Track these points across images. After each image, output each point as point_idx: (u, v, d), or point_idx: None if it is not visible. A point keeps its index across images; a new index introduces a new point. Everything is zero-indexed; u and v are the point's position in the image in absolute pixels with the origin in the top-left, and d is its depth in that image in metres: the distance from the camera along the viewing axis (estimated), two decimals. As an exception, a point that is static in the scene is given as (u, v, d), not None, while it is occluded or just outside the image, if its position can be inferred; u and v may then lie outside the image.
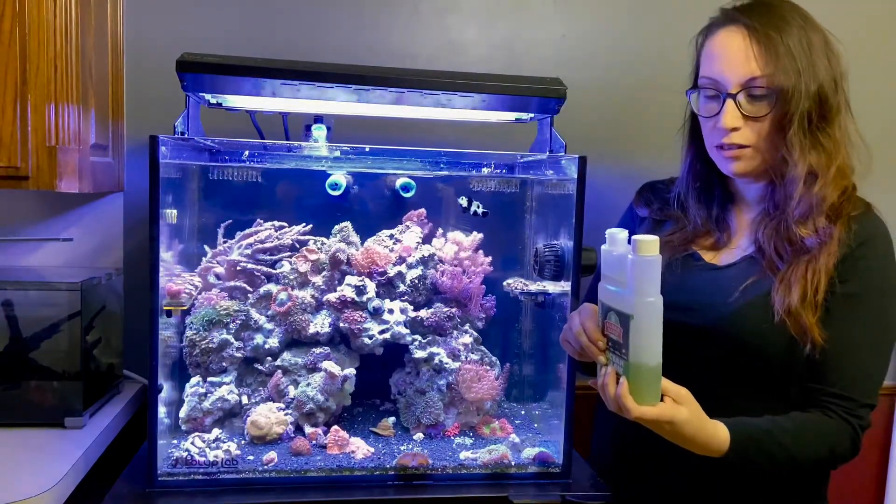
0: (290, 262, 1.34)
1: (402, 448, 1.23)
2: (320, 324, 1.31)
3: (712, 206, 1.20)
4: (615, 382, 0.93)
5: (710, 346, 1.09)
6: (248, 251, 1.31)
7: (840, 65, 1.09)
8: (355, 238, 1.38)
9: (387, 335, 1.29)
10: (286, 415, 1.24)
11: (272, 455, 1.16)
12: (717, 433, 0.99)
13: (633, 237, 0.90)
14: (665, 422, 0.93)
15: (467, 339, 1.35)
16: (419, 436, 1.29)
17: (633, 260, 0.89)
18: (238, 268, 1.31)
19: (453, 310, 1.34)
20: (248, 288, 1.31)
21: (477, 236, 1.37)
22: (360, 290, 1.30)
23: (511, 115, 1.35)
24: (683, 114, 1.21)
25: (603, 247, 0.97)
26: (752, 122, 1.07)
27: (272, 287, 1.32)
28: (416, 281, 1.34)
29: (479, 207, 1.33)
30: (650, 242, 0.88)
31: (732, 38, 1.08)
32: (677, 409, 0.94)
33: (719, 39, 1.10)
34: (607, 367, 0.95)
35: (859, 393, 1.03)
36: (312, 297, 1.32)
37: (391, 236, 1.39)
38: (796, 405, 1.07)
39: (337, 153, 1.25)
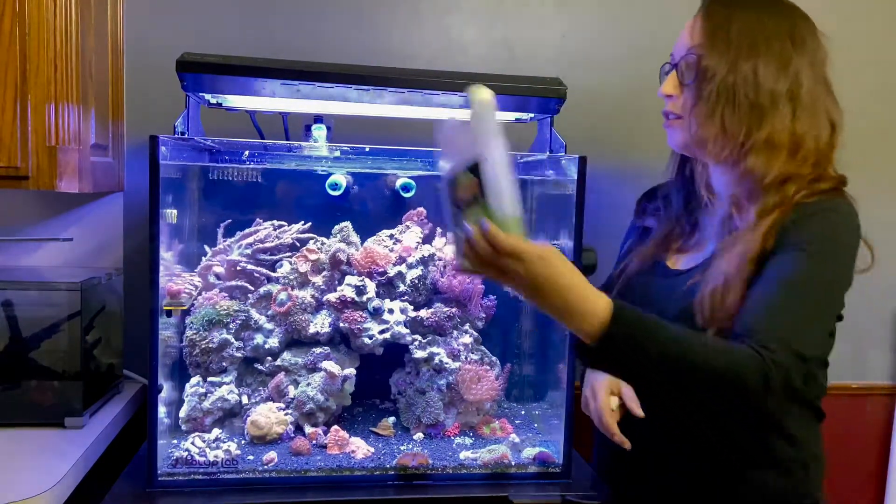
0: (290, 262, 1.34)
1: (402, 448, 1.24)
2: (320, 324, 1.31)
3: (690, 201, 1.19)
4: (479, 231, 0.85)
5: None
6: (248, 251, 1.31)
7: (802, 53, 1.06)
8: (355, 238, 1.38)
9: (387, 335, 1.29)
10: (286, 415, 1.24)
11: (272, 455, 1.16)
12: (598, 298, 0.89)
13: (468, 88, 0.86)
14: (537, 256, 0.86)
15: (467, 339, 1.35)
16: (419, 436, 1.29)
17: (471, 108, 0.85)
18: (238, 268, 1.31)
19: (453, 310, 1.34)
20: (249, 288, 1.31)
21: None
22: (360, 290, 1.30)
23: (511, 115, 1.35)
24: None
25: (441, 150, 0.93)
26: (685, 93, 1.08)
27: (272, 287, 1.32)
28: (416, 281, 1.34)
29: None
30: (480, 88, 0.85)
31: (693, 19, 1.10)
32: (551, 257, 0.88)
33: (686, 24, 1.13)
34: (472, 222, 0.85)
35: (770, 331, 0.92)
36: (312, 297, 1.32)
37: (391, 236, 1.39)
38: None
39: (337, 153, 1.25)
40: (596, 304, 0.88)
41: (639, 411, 1.05)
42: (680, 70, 1.09)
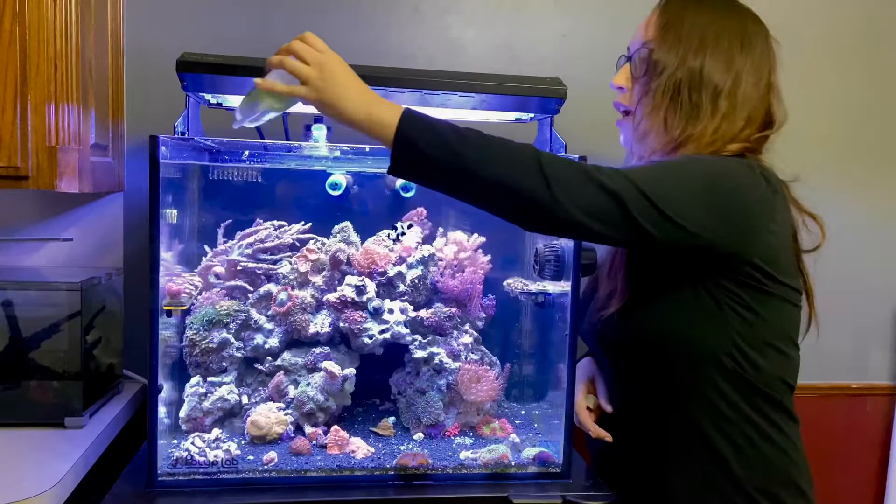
0: (291, 262, 1.34)
1: (402, 448, 1.24)
2: (320, 324, 1.31)
3: None
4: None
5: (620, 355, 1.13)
6: (249, 251, 1.31)
7: (746, 55, 1.07)
8: (355, 238, 1.38)
9: (387, 335, 1.29)
10: (286, 415, 1.24)
11: (272, 455, 1.16)
12: (393, 104, 0.95)
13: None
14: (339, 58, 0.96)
15: (467, 339, 1.35)
16: (419, 436, 1.29)
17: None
18: (238, 267, 1.31)
19: (453, 310, 1.34)
20: (249, 288, 1.31)
21: (479, 239, 1.37)
22: (360, 290, 1.30)
23: (511, 115, 1.35)
24: None
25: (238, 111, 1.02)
26: (636, 86, 1.10)
27: (272, 287, 1.32)
28: (416, 281, 1.34)
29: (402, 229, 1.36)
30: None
31: (651, 14, 1.12)
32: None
33: None
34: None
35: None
36: (312, 297, 1.32)
37: (390, 236, 1.39)
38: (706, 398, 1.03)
39: (337, 153, 1.25)
40: (393, 107, 0.94)
41: (608, 407, 1.16)
42: (633, 63, 1.10)
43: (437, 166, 0.94)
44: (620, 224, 0.93)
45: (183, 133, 1.15)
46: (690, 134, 1.04)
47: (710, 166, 1.00)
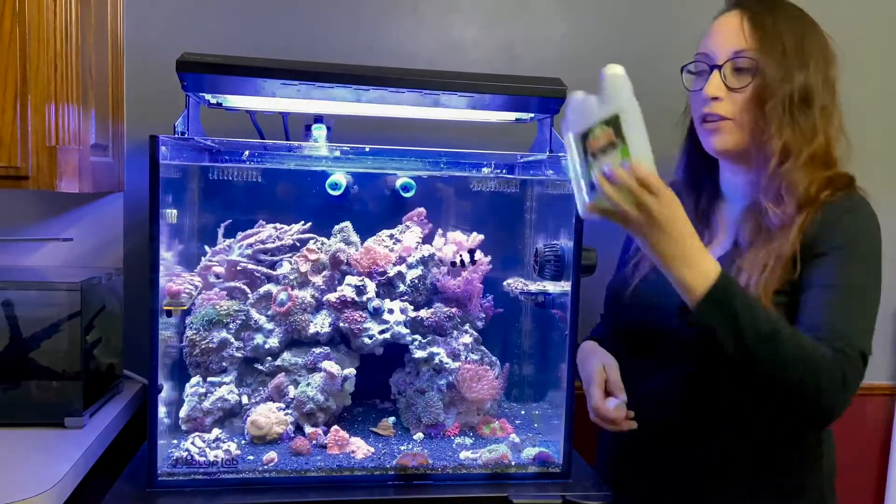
0: (291, 262, 1.34)
1: (402, 448, 1.24)
2: (320, 324, 1.31)
3: (700, 200, 1.21)
4: (620, 168, 0.91)
5: (687, 345, 1.09)
6: (249, 251, 1.31)
7: (834, 68, 1.11)
8: (355, 238, 1.38)
9: (387, 335, 1.29)
10: (286, 415, 1.24)
11: (272, 455, 1.16)
12: (707, 257, 0.95)
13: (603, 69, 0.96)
14: (672, 196, 0.91)
15: (467, 339, 1.35)
16: (419, 436, 1.29)
17: (604, 80, 0.95)
18: (238, 268, 1.31)
19: (453, 310, 1.34)
20: (247, 290, 1.31)
21: (477, 237, 1.37)
22: (360, 290, 1.30)
23: (511, 115, 1.35)
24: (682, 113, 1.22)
25: (568, 117, 1.00)
26: (735, 95, 1.09)
27: (272, 287, 1.32)
28: (416, 281, 1.34)
29: (468, 256, 1.34)
30: (614, 65, 0.95)
31: (729, 19, 1.12)
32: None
33: (718, 21, 1.14)
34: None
35: (844, 339, 0.97)
36: (312, 297, 1.32)
37: (391, 236, 1.39)
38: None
39: (337, 153, 1.25)
40: (708, 261, 0.94)
41: (623, 396, 1.10)
42: (724, 72, 1.09)
43: (726, 349, 0.95)
44: None
45: (183, 133, 1.15)
46: (808, 153, 1.06)
47: (877, 279, 1.04)
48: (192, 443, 1.16)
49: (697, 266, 0.94)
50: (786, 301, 1.03)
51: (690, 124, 1.21)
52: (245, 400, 1.27)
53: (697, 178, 1.22)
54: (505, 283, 1.41)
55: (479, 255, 1.34)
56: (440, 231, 1.40)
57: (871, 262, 1.04)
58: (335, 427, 1.23)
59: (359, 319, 1.29)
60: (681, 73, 1.17)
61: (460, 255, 1.32)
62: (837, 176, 1.09)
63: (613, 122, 0.93)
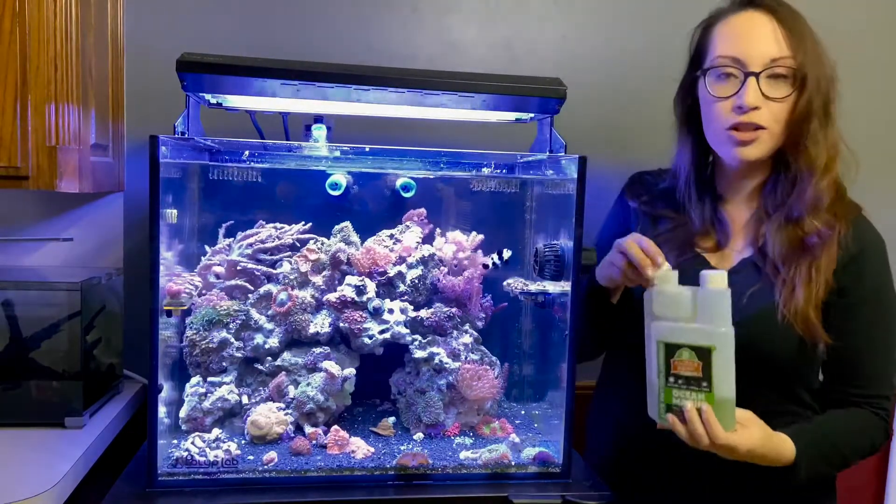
0: (291, 262, 1.34)
1: (402, 448, 1.23)
2: (320, 324, 1.31)
3: (705, 204, 1.19)
4: (698, 418, 0.94)
5: None
6: (249, 251, 1.31)
7: (833, 70, 1.11)
8: (355, 238, 1.38)
9: (387, 335, 1.29)
10: (286, 415, 1.24)
11: (272, 455, 1.16)
12: (784, 446, 1.03)
13: (702, 273, 0.93)
14: (747, 450, 0.97)
15: (467, 338, 1.35)
16: (419, 436, 1.29)
17: (706, 293, 0.91)
18: (238, 267, 1.31)
19: (453, 310, 1.34)
20: (249, 287, 1.31)
21: (477, 237, 1.37)
22: (360, 290, 1.30)
23: (511, 115, 1.35)
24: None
25: (653, 289, 0.98)
26: (771, 104, 1.06)
27: (272, 287, 1.32)
28: (417, 281, 1.34)
29: (497, 258, 1.33)
30: (719, 276, 0.92)
31: (756, 19, 1.07)
32: (752, 432, 0.98)
33: (740, 21, 1.09)
34: (690, 406, 0.95)
35: (880, 388, 1.11)
36: (312, 297, 1.32)
37: (391, 236, 1.39)
38: (809, 406, 1.13)
39: (337, 153, 1.25)
40: (782, 454, 1.03)
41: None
42: (759, 80, 1.05)
43: None
44: None
45: (183, 133, 1.15)
46: (832, 157, 1.09)
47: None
48: (193, 443, 1.16)
49: (776, 462, 1.03)
50: (824, 307, 1.08)
51: (690, 125, 1.20)
52: (245, 400, 1.27)
53: (701, 181, 1.20)
54: (505, 283, 1.41)
55: (507, 254, 1.33)
56: (440, 231, 1.40)
57: (893, 304, 1.13)
58: (335, 427, 1.23)
59: (359, 319, 1.29)
60: (697, 76, 1.13)
61: (492, 257, 1.32)
62: (841, 186, 1.12)
63: (704, 355, 0.91)
